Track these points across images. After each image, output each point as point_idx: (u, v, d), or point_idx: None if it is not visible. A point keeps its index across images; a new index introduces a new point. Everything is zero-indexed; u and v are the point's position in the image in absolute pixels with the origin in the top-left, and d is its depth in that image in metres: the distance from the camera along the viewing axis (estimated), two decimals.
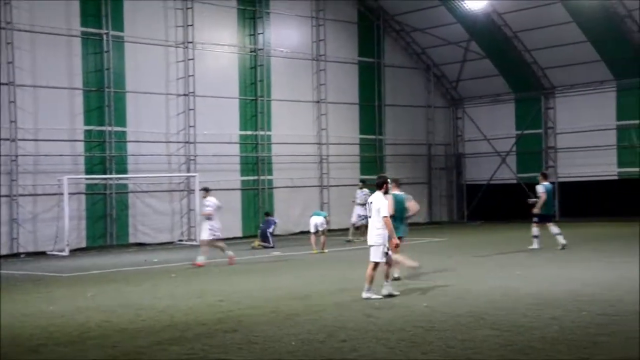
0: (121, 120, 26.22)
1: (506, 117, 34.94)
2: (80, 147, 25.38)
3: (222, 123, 28.70)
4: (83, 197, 25.41)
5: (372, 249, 12.37)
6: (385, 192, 12.51)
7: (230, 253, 19.15)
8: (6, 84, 23.75)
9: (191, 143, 27.78)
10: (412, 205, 15.06)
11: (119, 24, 26.25)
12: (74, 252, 24.01)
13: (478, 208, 35.35)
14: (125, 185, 26.38)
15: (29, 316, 11.79)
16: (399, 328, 9.83)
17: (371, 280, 12.34)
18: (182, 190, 27.79)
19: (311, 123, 31.54)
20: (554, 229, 20.16)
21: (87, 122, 25.49)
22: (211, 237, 18.90)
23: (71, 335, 10.26)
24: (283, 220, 28.61)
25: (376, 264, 12.31)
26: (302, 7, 31.40)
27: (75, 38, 25.37)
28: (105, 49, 25.75)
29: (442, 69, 35.90)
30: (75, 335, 10.20)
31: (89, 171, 25.52)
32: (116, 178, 25.93)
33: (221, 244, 19.22)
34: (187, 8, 27.82)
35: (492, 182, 35.17)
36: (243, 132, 29.46)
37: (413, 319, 10.43)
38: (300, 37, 31.49)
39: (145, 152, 26.59)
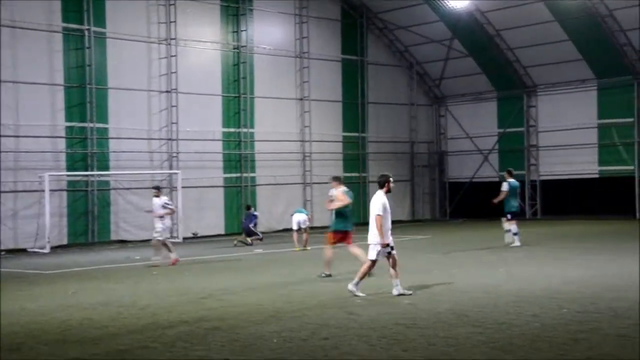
0: (103, 116, 26.09)
1: (488, 115, 35.12)
2: (61, 144, 25.22)
3: (204, 120, 28.64)
4: (64, 194, 25.27)
5: (369, 247, 12.33)
6: (388, 192, 12.40)
7: (174, 256, 18.56)
8: None
9: (173, 140, 27.70)
10: (341, 197, 15.24)
11: (100, 20, 26.11)
12: (55, 249, 23.87)
13: (460, 206, 35.49)
14: (107, 182, 26.27)
15: (9, 314, 11.69)
16: (381, 325, 9.85)
17: (362, 277, 12.29)
18: (164, 188, 27.59)
19: (294, 120, 31.54)
20: (509, 226, 20.35)
21: (69, 118, 25.34)
22: (160, 237, 18.46)
23: (52, 333, 10.20)
24: (265, 218, 28.64)
25: (373, 262, 12.26)
26: (285, 5, 31.37)
27: (57, 34, 25.21)
28: (87, 45, 25.62)
29: (425, 67, 36.00)
30: (56, 333, 10.14)
31: (70, 168, 25.37)
32: (98, 175, 25.82)
33: (169, 243, 18.72)
34: (170, 4, 27.72)
35: (474, 180, 35.33)
36: (226, 130, 29.41)
37: (395, 316, 10.46)
38: (284, 35, 31.47)
39: (127, 149, 26.48)
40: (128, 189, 26.60)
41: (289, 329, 9.85)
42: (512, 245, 20.14)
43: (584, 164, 31.82)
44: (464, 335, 9.09)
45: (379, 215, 12.14)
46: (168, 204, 18.85)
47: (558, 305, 10.89)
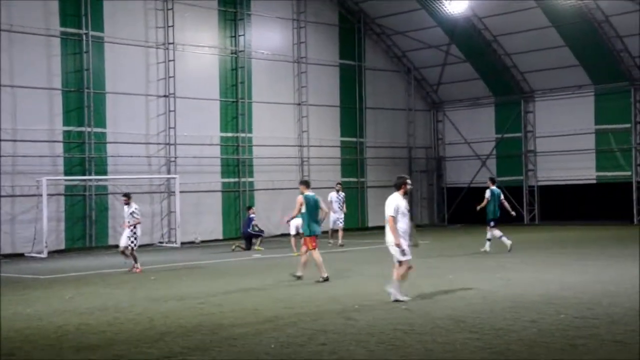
0: (101, 121, 26.07)
1: (486, 120, 35.15)
2: (59, 148, 25.19)
3: (202, 125, 28.61)
4: (62, 198, 25.23)
5: (390, 249, 12.28)
6: (405, 193, 12.32)
7: (138, 266, 18.31)
8: None
9: (171, 144, 27.67)
10: (324, 207, 15.75)
11: (98, 24, 26.11)
12: (53, 254, 23.82)
13: (459, 211, 35.48)
14: (104, 187, 26.22)
15: (5, 319, 11.65)
16: (379, 331, 9.83)
17: (400, 279, 12.15)
18: (162, 192, 27.67)
19: (292, 125, 31.54)
20: (496, 232, 20.65)
21: (66, 122, 25.32)
22: (128, 245, 18.14)
23: (48, 338, 10.16)
24: (263, 223, 28.54)
25: (400, 263, 12.18)
26: (283, 9, 31.39)
27: (55, 38, 25.20)
28: (84, 49, 25.61)
29: (423, 72, 36.02)
30: (53, 339, 10.10)
31: (68, 172, 25.33)
32: (95, 179, 25.77)
33: (135, 253, 18.40)
34: (168, 9, 27.73)
35: (472, 185, 35.33)
36: (224, 134, 29.39)
37: (393, 322, 10.43)
38: (281, 39, 31.48)
39: (125, 153, 26.45)
40: None
41: (286, 334, 9.83)
42: (482, 250, 20.51)
43: (581, 169, 31.84)
44: (462, 341, 9.08)
45: (390, 216, 12.07)
46: (135, 213, 18.31)
47: (555, 311, 10.88)
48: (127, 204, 18.49)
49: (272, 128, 30.60)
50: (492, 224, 20.72)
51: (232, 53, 29.76)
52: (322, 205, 15.84)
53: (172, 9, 27.71)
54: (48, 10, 25.07)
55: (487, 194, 21.02)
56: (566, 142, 32.31)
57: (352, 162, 33.60)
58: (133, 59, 27.00)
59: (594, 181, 31.92)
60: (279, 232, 29.45)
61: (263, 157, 30.17)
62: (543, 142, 33.49)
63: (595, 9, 29.15)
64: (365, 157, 34.05)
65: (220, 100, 29.34)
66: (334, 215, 24.59)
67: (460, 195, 35.58)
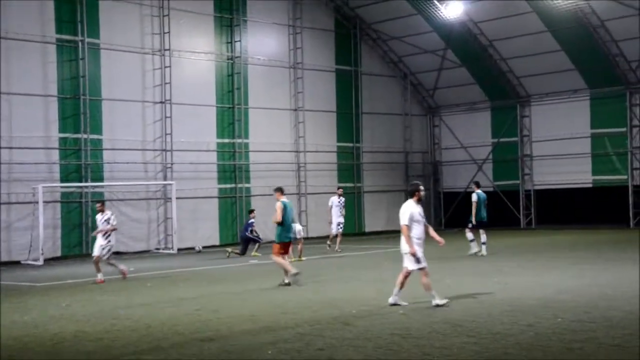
0: (97, 127, 26.04)
1: (482, 125, 35.19)
2: (55, 155, 25.16)
3: (199, 131, 28.59)
4: (58, 205, 25.18)
5: (404, 256, 12.27)
6: (419, 200, 12.30)
7: (122, 267, 18.11)
8: None
9: (168, 151, 27.64)
10: (278, 212, 15.70)
11: (94, 31, 26.09)
12: (49, 261, 23.77)
13: (455, 216, 35.44)
14: (101, 194, 26.11)
15: (3, 327, 11.62)
16: (376, 336, 9.83)
17: (430, 288, 12.11)
18: (158, 199, 27.62)
19: (289, 131, 31.53)
20: (469, 234, 21.08)
21: (63, 129, 25.27)
22: (103, 254, 17.85)
23: (45, 345, 10.14)
24: (261, 229, 28.46)
25: (421, 270, 12.14)
26: (279, 15, 31.41)
27: (50, 45, 25.18)
28: (80, 56, 25.58)
29: (419, 77, 36.06)
30: (49, 346, 10.09)
31: (64, 179, 25.29)
32: (92, 186, 25.71)
33: (114, 260, 18.19)
34: (164, 15, 27.71)
35: (469, 189, 35.26)
36: (220, 140, 29.38)
37: (390, 327, 10.44)
38: (278, 45, 31.50)
39: (121, 160, 26.41)
40: (122, 200, 26.50)
41: (283, 339, 9.82)
42: (469, 253, 20.71)
43: (577, 173, 31.89)
44: (459, 345, 9.08)
45: (404, 225, 12.04)
46: (111, 220, 18.04)
47: (553, 315, 10.89)
48: (102, 210, 18.20)
49: (268, 134, 30.59)
50: (470, 225, 21.12)
51: (228, 59, 29.76)
52: (295, 215, 16.13)
53: (168, 15, 27.68)
54: (44, 17, 25.07)
55: (474, 197, 21.34)
56: (562, 146, 32.36)
57: (349, 167, 33.60)
58: (129, 65, 26.97)
59: (590, 185, 31.97)
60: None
61: (260, 163, 30.14)
62: (539, 146, 33.53)
63: (590, 14, 29.23)
64: (362, 162, 34.04)
65: (217, 107, 29.31)
66: (336, 219, 24.51)
67: (456, 199, 35.59)
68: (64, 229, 25.23)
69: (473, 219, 21.29)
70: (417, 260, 12.08)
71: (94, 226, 25.47)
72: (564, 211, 32.35)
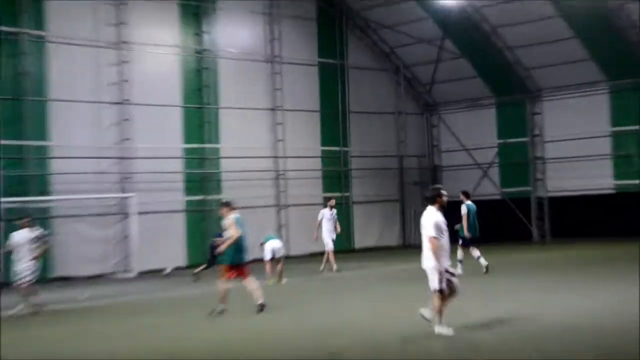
0: (43, 133, 25.79)
1: (487, 124, 35.18)
2: None
3: (162, 135, 28.44)
4: None
5: (428, 274, 11.91)
6: (442, 207, 12.05)
7: (36, 302, 17.50)
8: None
9: (127, 158, 27.43)
10: (232, 230, 15.42)
11: (39, 22, 25.86)
12: None
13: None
14: (48, 209, 25.73)
15: None
16: None
17: (441, 313, 11.79)
18: (115, 214, 27.32)
19: (266, 134, 31.39)
20: (459, 253, 20.94)
21: (3, 136, 24.94)
22: (31, 279, 17.27)
23: None
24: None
25: (440, 292, 11.79)
26: (253, 3, 31.38)
27: None
28: (22, 50, 25.30)
29: (414, 70, 36.00)
30: None
31: (5, 193, 24.83)
32: (38, 201, 25.29)
33: (31, 288, 17.47)
34: (121, 4, 27.51)
35: (473, 198, 35.06)
36: (187, 146, 29.22)
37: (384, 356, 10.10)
38: (252, 36, 31.42)
39: (73, 169, 26.11)
40: (74, 216, 26.16)
41: None
42: (483, 271, 20.61)
43: (597, 177, 31.78)
44: None
45: (432, 237, 11.75)
46: (42, 237, 17.58)
47: (570, 342, 10.69)
48: (29, 226, 17.65)
49: (242, 137, 30.43)
50: (460, 242, 21.05)
51: (195, 53, 29.64)
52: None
53: (126, 3, 27.52)
54: None
55: (463, 209, 21.41)
56: (579, 147, 32.30)
57: (335, 175, 33.48)
58: (81, 60, 26.74)
59: (612, 191, 31.90)
60: (251, 257, 29.02)
61: (233, 171, 29.94)
62: (552, 147, 33.48)
63: None
64: (350, 168, 33.92)
65: (183, 107, 29.16)
66: (328, 235, 23.99)
67: (458, 210, 35.30)
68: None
69: (466, 234, 21.08)
70: (441, 280, 11.74)
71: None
72: (583, 222, 32.15)
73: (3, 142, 24.90)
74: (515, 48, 32.84)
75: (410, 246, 34.60)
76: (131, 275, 26.13)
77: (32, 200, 25.18)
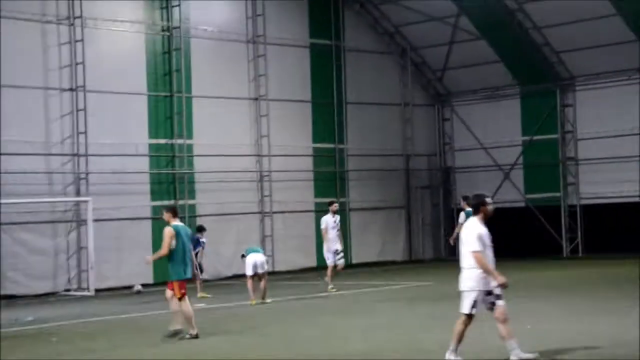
0: None
1: (509, 118, 35.29)
2: None
3: (124, 128, 28.52)
4: None
5: (463, 295, 12.02)
6: (486, 217, 12.18)
7: None
8: None
9: (81, 156, 27.49)
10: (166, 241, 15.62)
11: None
12: None
13: None
14: None
15: None
16: None
17: (459, 339, 11.88)
18: (69, 221, 27.39)
19: (247, 128, 31.50)
20: None
21: None
22: None
23: None
24: (210, 260, 28.27)
25: (468, 317, 11.88)
26: None
27: None
28: None
29: (423, 53, 36.14)
30: None
31: None
32: None
33: None
34: None
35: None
36: (154, 141, 29.32)
37: None
38: (231, 12, 31.57)
39: (16, 168, 26.12)
40: (18, 223, 26.18)
41: None
42: None
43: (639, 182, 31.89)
44: None
45: (476, 252, 11.82)
46: None
47: None
48: None
49: (219, 132, 30.51)
50: None
51: (163, 30, 29.69)
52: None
53: None
54: None
55: (462, 218, 21.64)
56: (618, 146, 32.35)
57: (330, 177, 33.54)
58: (24, 39, 26.73)
59: None
60: (230, 273, 29.20)
61: (208, 172, 30.05)
62: (587, 145, 33.61)
63: None
64: (347, 169, 34.00)
65: (149, 95, 29.24)
66: (333, 246, 23.92)
67: None
68: None
69: None
70: (474, 305, 11.81)
71: None
72: (622, 233, 32.26)
73: None
74: (544, 27, 32.93)
75: (418, 261, 34.73)
76: (88, 293, 26.20)
77: None
